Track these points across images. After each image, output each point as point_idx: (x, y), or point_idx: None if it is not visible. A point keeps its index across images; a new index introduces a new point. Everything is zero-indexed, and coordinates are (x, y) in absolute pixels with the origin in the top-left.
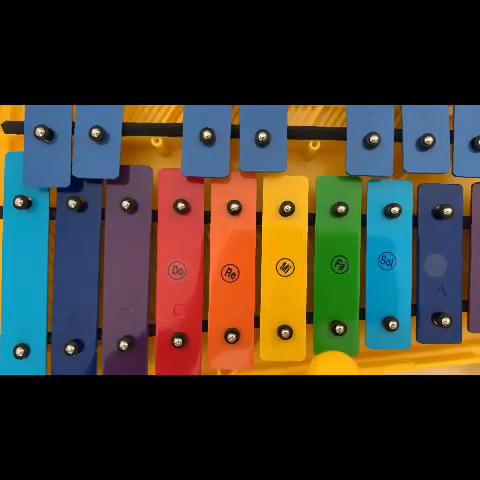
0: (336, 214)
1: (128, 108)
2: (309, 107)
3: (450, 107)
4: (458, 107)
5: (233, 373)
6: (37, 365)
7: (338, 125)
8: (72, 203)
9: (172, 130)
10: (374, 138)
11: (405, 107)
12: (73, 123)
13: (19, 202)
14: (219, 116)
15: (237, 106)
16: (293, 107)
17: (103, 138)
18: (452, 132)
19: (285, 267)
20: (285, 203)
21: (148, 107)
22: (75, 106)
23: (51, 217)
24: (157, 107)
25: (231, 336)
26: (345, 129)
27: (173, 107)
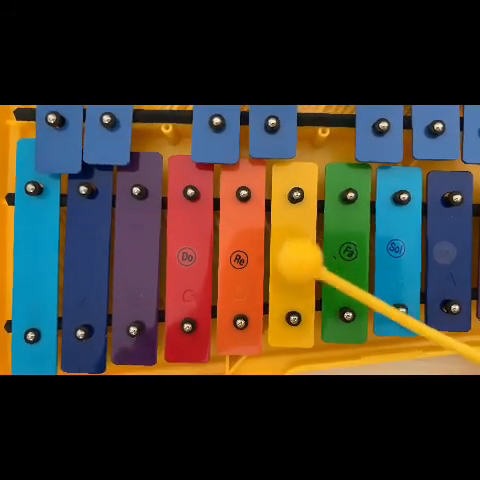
0: (345, 201)
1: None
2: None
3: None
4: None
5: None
6: (48, 350)
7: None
8: (83, 189)
9: (182, 117)
10: (383, 124)
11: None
12: (84, 110)
13: (31, 188)
14: (228, 108)
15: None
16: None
17: (114, 125)
18: (462, 119)
19: None
20: (294, 190)
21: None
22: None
23: (62, 203)
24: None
25: (240, 322)
26: (354, 116)
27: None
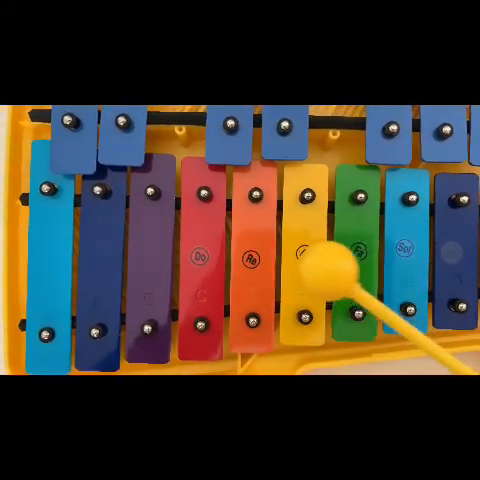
0: (355, 202)
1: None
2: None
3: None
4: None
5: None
6: (62, 348)
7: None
8: (97, 190)
9: (196, 119)
10: (393, 127)
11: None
12: (99, 112)
13: (46, 188)
14: (241, 108)
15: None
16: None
17: (128, 126)
18: (469, 122)
19: None
20: (305, 191)
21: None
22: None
23: (76, 204)
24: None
25: (252, 320)
26: (365, 119)
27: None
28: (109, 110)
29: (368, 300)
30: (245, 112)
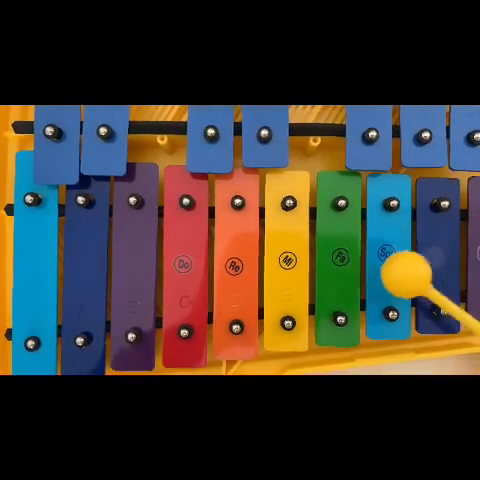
0: (337, 208)
1: (132, 108)
2: (308, 107)
3: (446, 107)
4: (454, 107)
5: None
6: (47, 357)
7: (337, 122)
8: (81, 200)
9: (177, 128)
10: (373, 133)
11: (402, 107)
12: (81, 122)
13: (30, 199)
14: (222, 114)
15: (239, 106)
16: (293, 106)
17: (110, 136)
18: (448, 127)
19: (287, 260)
20: (287, 198)
21: (152, 107)
22: (83, 106)
23: (60, 213)
24: (161, 107)
25: (236, 327)
26: (344, 125)
27: (176, 107)
28: (91, 121)
29: (439, 298)
30: (225, 120)
